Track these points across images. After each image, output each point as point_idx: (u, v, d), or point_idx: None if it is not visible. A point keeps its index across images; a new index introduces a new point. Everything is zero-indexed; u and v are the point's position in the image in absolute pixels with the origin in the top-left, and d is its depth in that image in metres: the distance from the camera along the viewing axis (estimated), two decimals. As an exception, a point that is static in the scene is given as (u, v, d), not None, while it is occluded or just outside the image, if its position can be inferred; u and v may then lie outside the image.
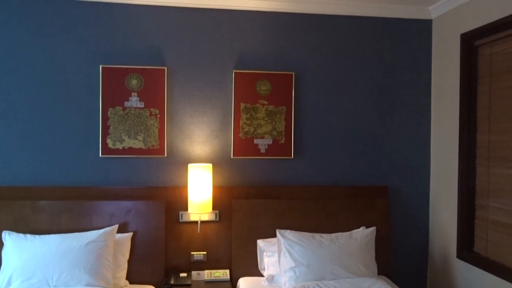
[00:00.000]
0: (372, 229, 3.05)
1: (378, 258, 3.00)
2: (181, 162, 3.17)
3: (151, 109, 3.12)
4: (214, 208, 3.12)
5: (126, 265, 2.88)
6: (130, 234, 2.96)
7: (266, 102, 3.25)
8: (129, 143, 3.10)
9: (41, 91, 3.04)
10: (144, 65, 3.12)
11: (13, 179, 3.02)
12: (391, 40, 3.40)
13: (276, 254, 2.97)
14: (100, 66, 3.06)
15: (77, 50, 3.07)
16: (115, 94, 3.08)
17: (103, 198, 3.04)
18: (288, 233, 2.94)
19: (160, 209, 3.05)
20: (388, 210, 3.29)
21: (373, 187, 3.37)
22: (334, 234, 3.00)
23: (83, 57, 3.07)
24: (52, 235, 2.75)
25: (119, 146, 3.09)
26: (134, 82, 3.10)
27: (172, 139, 3.17)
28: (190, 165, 3.04)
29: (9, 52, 3.00)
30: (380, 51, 3.39)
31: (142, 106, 3.11)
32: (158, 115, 3.13)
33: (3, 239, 2.76)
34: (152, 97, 3.12)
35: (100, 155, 3.07)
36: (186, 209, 3.07)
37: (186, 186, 3.11)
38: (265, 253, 3.03)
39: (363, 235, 2.99)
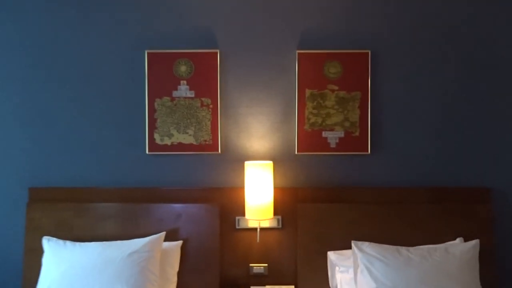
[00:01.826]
0: (475, 242, 2.43)
1: (481, 279, 2.38)
2: (237, 160, 2.74)
3: (203, 99, 2.72)
4: (275, 213, 2.66)
5: (175, 278, 2.51)
6: (180, 242, 2.57)
7: (336, 88, 2.73)
8: (178, 138, 2.72)
9: (81, 84, 2.75)
10: (193, 49, 2.72)
11: (54, 180, 2.75)
12: (491, 3, 2.74)
13: (351, 270, 2.44)
14: (146, 52, 2.71)
15: (119, 35, 2.74)
16: (162, 82, 2.72)
17: (150, 201, 2.69)
18: (366, 245, 2.40)
19: (214, 213, 2.64)
20: (491, 218, 2.64)
21: (471, 189, 2.73)
22: (425, 248, 2.41)
23: (126, 42, 2.74)
24: (92, 243, 2.44)
25: (167, 141, 2.72)
26: (183, 68, 2.72)
27: (226, 133, 2.75)
28: (247, 163, 2.60)
29: (46, 43, 2.74)
30: (477, 19, 2.74)
31: (193, 95, 2.72)
32: (211, 106, 2.72)
33: (43, 246, 2.49)
34: (203, 85, 2.72)
35: (147, 152, 2.72)
36: (243, 214, 2.64)
37: (243, 187, 2.67)
38: (337, 268, 2.52)
39: (464, 250, 2.38)
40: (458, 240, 2.54)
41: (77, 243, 2.44)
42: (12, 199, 2.74)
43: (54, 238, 2.51)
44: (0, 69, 2.75)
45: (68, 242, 2.46)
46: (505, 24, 2.74)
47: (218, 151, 2.72)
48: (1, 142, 2.76)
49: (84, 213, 2.65)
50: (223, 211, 2.69)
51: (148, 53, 2.70)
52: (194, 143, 2.72)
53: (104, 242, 2.45)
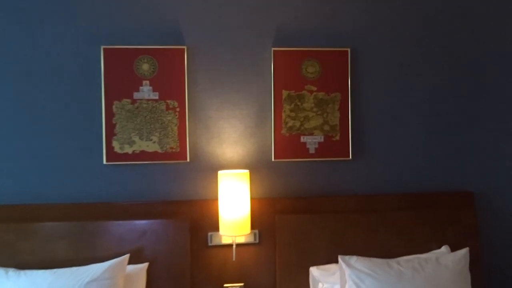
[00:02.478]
0: (465, 251, 2.30)
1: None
2: (208, 169, 2.46)
3: (168, 101, 2.42)
4: (252, 227, 2.40)
5: (141, 307, 2.19)
6: (146, 265, 2.26)
7: (315, 88, 2.52)
8: (141, 145, 2.40)
9: (27, 86, 2.37)
10: (157, 45, 2.42)
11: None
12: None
13: (337, 286, 2.23)
14: (101, 48, 2.37)
15: (70, 27, 2.39)
16: (122, 83, 2.39)
17: (109, 218, 2.34)
18: (355, 260, 2.20)
19: (184, 229, 2.35)
20: (475, 223, 2.53)
21: (455, 193, 2.61)
22: (415, 260, 2.24)
23: (79, 36, 2.39)
24: (41, 271, 2.07)
25: (128, 149, 2.39)
26: (146, 66, 2.41)
27: (196, 140, 2.46)
28: (220, 173, 2.33)
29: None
30: (464, 15, 2.63)
31: (157, 97, 2.41)
32: (178, 109, 2.42)
33: (-20, 276, 2.09)
34: (169, 85, 2.42)
35: (104, 162, 2.38)
36: (217, 229, 2.36)
37: (216, 200, 2.40)
38: (320, 285, 2.30)
39: (455, 260, 2.23)
40: (444, 248, 2.41)
41: (22, 272, 2.07)
42: None
43: (-7, 267, 2.12)
44: None
45: (11, 271, 2.08)
46: (493, 21, 2.65)
47: (186, 159, 2.43)
48: None
49: (29, 235, 2.27)
50: (193, 226, 2.40)
51: (104, 49, 2.37)
52: (159, 151, 2.41)
53: (55, 269, 2.08)
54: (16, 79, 2.36)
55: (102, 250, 2.27)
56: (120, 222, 2.33)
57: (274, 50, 2.48)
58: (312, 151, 2.52)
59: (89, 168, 2.39)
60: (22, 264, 2.20)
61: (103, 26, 2.40)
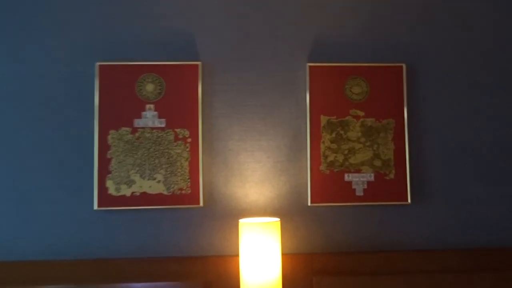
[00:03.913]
0: None
1: None
2: (228, 216, 1.94)
3: (177, 130, 1.93)
4: (285, 293, 1.84)
5: None
6: None
7: (362, 113, 1.99)
8: (142, 186, 1.90)
9: (5, 113, 1.92)
10: (164, 61, 1.95)
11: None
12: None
13: None
14: (96, 65, 1.92)
15: (57, 40, 1.95)
16: (120, 107, 1.92)
17: (100, 280, 1.83)
18: None
19: (195, 295, 1.81)
20: None
21: (546, 249, 2.00)
22: None
23: (68, 51, 1.95)
24: None
25: (125, 191, 1.89)
26: (150, 87, 1.93)
27: (211, 178, 1.95)
28: (242, 222, 1.80)
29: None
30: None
31: (163, 125, 1.93)
32: (189, 140, 1.93)
33: None
34: (179, 110, 1.94)
35: (95, 207, 1.88)
36: (238, 295, 1.81)
37: (237, 256, 1.86)
38: None
39: None
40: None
41: None
42: None
43: None
44: None
45: None
46: None
47: (199, 203, 1.91)
48: None
49: (-1, 301, 1.77)
50: (207, 291, 1.85)
51: (99, 66, 1.91)
52: (165, 192, 1.90)
53: None
54: (-8, 103, 1.92)
55: (88, 323, 1.75)
56: (116, 285, 1.80)
57: (310, 66, 1.98)
58: (359, 192, 1.96)
59: (77, 215, 1.89)
60: None
61: (98, 39, 1.96)
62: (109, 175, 1.89)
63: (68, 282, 1.82)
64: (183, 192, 1.91)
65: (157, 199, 1.90)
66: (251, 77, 1.99)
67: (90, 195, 1.89)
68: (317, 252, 1.95)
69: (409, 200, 1.97)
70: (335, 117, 1.98)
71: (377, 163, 1.98)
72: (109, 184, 1.89)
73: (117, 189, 1.89)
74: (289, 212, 1.96)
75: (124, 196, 1.89)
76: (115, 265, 1.87)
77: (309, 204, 1.95)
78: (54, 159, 1.91)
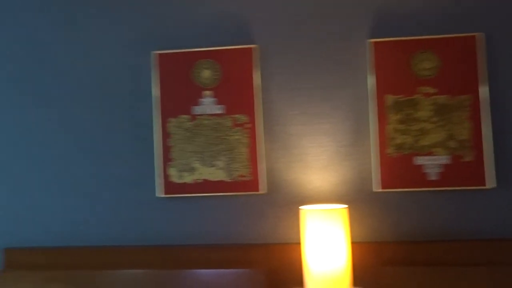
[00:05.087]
0: None
1: None
2: (290, 203, 1.88)
3: (236, 116, 1.89)
4: (355, 283, 1.74)
5: None
6: (208, 332, 1.71)
7: (433, 90, 1.83)
8: (203, 173, 1.89)
9: (67, 105, 2.03)
10: (220, 46, 1.92)
11: (35, 238, 1.98)
12: None
13: None
14: (153, 54, 1.93)
15: (115, 33, 2.00)
16: (178, 95, 1.92)
17: (163, 266, 1.87)
18: None
19: (258, 283, 1.79)
20: None
21: None
22: None
23: (126, 42, 1.99)
24: None
25: (187, 179, 1.90)
26: (207, 73, 1.92)
27: (272, 164, 1.90)
28: (303, 209, 1.72)
29: (28, 53, 2.04)
30: None
31: (221, 111, 1.90)
32: (248, 125, 1.89)
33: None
34: (236, 96, 1.90)
35: (157, 194, 1.91)
36: (302, 284, 1.75)
37: (300, 244, 1.80)
38: None
39: None
40: None
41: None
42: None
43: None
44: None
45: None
46: None
47: (261, 190, 1.87)
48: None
49: (76, 286, 1.86)
50: (271, 279, 1.80)
51: (156, 55, 1.93)
52: (226, 179, 1.88)
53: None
54: (59, 101, 2.02)
55: (157, 308, 1.78)
56: (178, 271, 1.84)
57: (372, 43, 1.85)
58: (432, 177, 1.81)
59: (140, 203, 1.94)
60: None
61: (153, 28, 1.97)
62: (171, 162, 1.90)
63: (134, 267, 1.87)
64: (244, 178, 1.88)
65: (219, 186, 1.89)
66: (309, 58, 1.90)
67: (152, 182, 1.92)
68: (386, 240, 1.83)
69: (491, 184, 1.78)
70: (402, 95, 1.84)
71: (452, 144, 1.81)
72: (171, 171, 1.90)
73: (179, 177, 1.90)
74: (354, 199, 1.85)
75: (186, 183, 1.90)
76: (178, 252, 1.89)
77: (375, 190, 1.83)
78: (117, 149, 1.97)
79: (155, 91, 1.93)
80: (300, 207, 1.76)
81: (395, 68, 1.84)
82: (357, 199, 1.85)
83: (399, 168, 1.83)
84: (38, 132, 2.02)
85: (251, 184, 1.87)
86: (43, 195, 2.00)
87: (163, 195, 1.90)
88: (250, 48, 1.90)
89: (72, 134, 2.00)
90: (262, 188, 1.87)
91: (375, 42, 1.85)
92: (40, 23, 2.05)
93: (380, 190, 1.83)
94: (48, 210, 1.99)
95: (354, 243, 1.79)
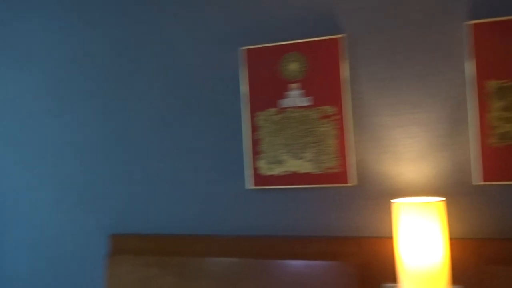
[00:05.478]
0: None
1: None
2: (381, 195, 1.82)
3: (323, 108, 1.88)
4: (454, 281, 1.65)
5: None
6: (299, 323, 1.73)
7: (543, 73, 1.66)
8: (291, 165, 1.91)
9: (159, 103, 2.14)
10: (306, 38, 1.91)
11: (138, 225, 2.14)
12: None
13: None
14: (241, 50, 1.98)
15: (203, 30, 2.07)
16: (265, 89, 1.95)
17: (254, 255, 1.91)
18: None
19: (350, 277, 1.76)
20: None
21: None
22: None
23: (214, 39, 2.05)
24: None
25: (276, 171, 1.92)
26: (293, 66, 1.92)
27: (362, 156, 1.85)
28: (397, 202, 1.66)
29: (119, 53, 2.18)
30: None
31: (308, 103, 1.90)
32: (336, 117, 1.86)
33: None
34: (324, 87, 1.88)
35: (247, 186, 1.96)
36: (395, 280, 1.69)
37: (391, 238, 1.74)
38: None
39: None
40: None
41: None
42: (92, 248, 2.20)
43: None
44: (64, 87, 2.26)
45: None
46: None
47: (349, 182, 1.83)
48: (77, 180, 2.25)
49: (170, 271, 1.99)
50: (362, 273, 1.77)
51: (244, 50, 1.97)
52: (315, 171, 1.88)
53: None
54: (153, 97, 2.14)
55: (247, 296, 1.84)
56: (268, 261, 1.86)
57: (470, 25, 1.72)
58: (542, 168, 1.65)
59: (231, 194, 2.00)
60: (164, 304, 1.92)
61: (240, 24, 2.01)
62: (260, 155, 1.94)
63: (226, 255, 1.94)
64: (333, 171, 1.86)
65: (307, 178, 1.89)
66: (400, 44, 1.82)
67: (241, 175, 1.97)
68: (489, 237, 1.71)
69: None
70: (506, 80, 1.69)
71: None
72: (260, 164, 1.94)
73: (268, 169, 1.93)
74: (451, 192, 1.75)
75: (274, 175, 1.92)
76: (268, 242, 1.92)
77: (476, 183, 1.71)
78: (207, 142, 2.05)
79: (243, 86, 1.97)
80: (392, 200, 1.70)
81: (498, 51, 1.70)
82: (454, 192, 1.74)
83: (503, 160, 1.68)
84: (134, 128, 2.16)
85: (340, 176, 1.85)
86: (143, 187, 2.14)
87: (253, 187, 1.95)
88: (337, 38, 1.86)
89: (165, 130, 2.11)
90: (352, 180, 1.83)
91: (474, 24, 1.72)
92: (130, 22, 2.18)
93: (481, 183, 1.70)
94: (147, 200, 2.13)
95: (453, 239, 1.70)
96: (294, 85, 1.91)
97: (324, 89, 1.87)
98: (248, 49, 1.97)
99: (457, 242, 1.70)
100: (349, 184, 1.84)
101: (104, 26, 2.22)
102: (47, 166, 2.30)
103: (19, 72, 2.37)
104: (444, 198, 1.65)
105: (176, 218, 2.08)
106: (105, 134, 2.21)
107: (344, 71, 1.85)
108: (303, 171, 1.89)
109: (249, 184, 1.95)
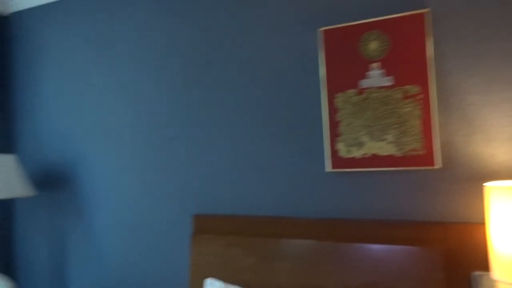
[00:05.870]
0: None
1: None
2: (470, 179, 1.72)
3: (406, 87, 1.80)
4: (551, 271, 1.52)
5: None
6: (381, 307, 1.70)
7: None
8: (371, 147, 1.86)
9: (239, 86, 2.17)
10: (387, 14, 1.84)
11: (220, 206, 2.22)
12: None
13: None
14: (319, 30, 1.95)
15: (281, 13, 2.06)
16: (345, 69, 1.91)
17: (333, 238, 1.90)
18: None
19: (434, 263, 1.68)
20: None
21: None
22: None
23: (292, 21, 2.04)
24: (258, 298, 1.78)
25: (356, 153, 1.89)
26: (374, 45, 1.86)
27: (448, 137, 1.76)
28: (488, 186, 1.56)
29: (205, 40, 2.25)
30: None
31: (390, 83, 1.83)
32: (420, 96, 1.78)
33: (205, 290, 1.97)
34: (406, 66, 1.80)
35: (327, 169, 1.94)
36: (487, 268, 1.59)
37: (483, 224, 1.64)
38: None
39: None
40: None
41: (239, 296, 1.82)
42: (178, 228, 2.32)
43: (217, 283, 1.96)
44: (148, 73, 2.39)
45: (229, 291, 1.87)
46: None
47: (435, 165, 1.75)
48: (163, 164, 2.38)
49: (252, 251, 2.04)
50: (449, 260, 1.69)
51: (322, 31, 1.94)
52: (396, 154, 1.82)
53: (272, 298, 1.76)
54: (230, 81, 2.18)
55: (326, 278, 1.84)
56: (350, 245, 1.84)
57: None
58: None
59: (310, 177, 2.00)
60: (245, 282, 1.98)
61: (317, 4, 1.98)
62: (339, 137, 1.92)
63: (305, 237, 1.95)
64: (416, 153, 1.78)
65: (389, 160, 1.83)
66: (490, 16, 1.68)
67: (321, 157, 1.96)
68: None
69: None
70: None
71: None
72: (340, 146, 1.92)
73: (348, 151, 1.90)
74: (553, 175, 1.60)
75: (354, 158, 1.89)
76: (348, 226, 1.90)
77: None
78: (286, 125, 2.05)
79: (322, 67, 1.95)
80: (484, 184, 1.60)
81: None
82: (556, 175, 1.60)
83: None
84: (216, 112, 2.23)
85: (425, 158, 1.77)
86: (225, 170, 2.21)
87: (332, 170, 1.93)
88: (422, 14, 1.77)
89: (247, 112, 2.15)
90: (437, 163, 1.75)
91: None
92: (211, 9, 2.23)
93: None
94: (229, 182, 2.20)
95: (554, 226, 1.56)
96: (375, 65, 1.85)
97: (407, 68, 1.80)
98: (326, 29, 1.94)
99: (559, 230, 1.55)
100: (435, 167, 1.75)
101: (186, 15, 2.30)
102: (135, 151, 2.45)
103: (107, 62, 2.55)
104: (544, 182, 1.52)
105: (256, 200, 2.12)
106: (188, 119, 2.30)
107: (429, 48, 1.76)
108: (384, 153, 1.84)
109: (329, 166, 1.93)
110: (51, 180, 2.74)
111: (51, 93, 2.76)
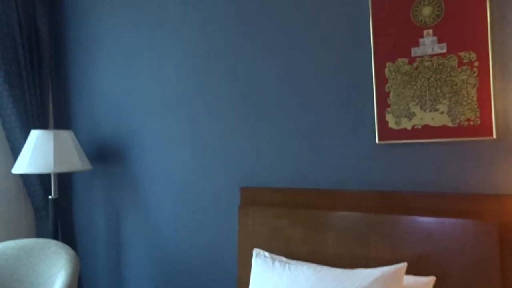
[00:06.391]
0: None
1: None
2: (530, 150, 1.64)
3: (461, 54, 1.72)
4: None
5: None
6: (431, 279, 1.66)
7: None
8: (423, 118, 1.81)
9: (289, 56, 2.15)
10: (443, -23, 1.76)
11: (267, 179, 2.24)
12: None
13: None
14: (368, -3, 1.90)
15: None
16: (395, 37, 1.85)
17: (384, 210, 1.87)
18: None
19: (489, 236, 1.64)
20: None
21: None
22: None
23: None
24: (306, 268, 1.80)
25: (406, 124, 1.84)
26: (427, 10, 1.78)
27: (506, 107, 1.68)
28: (552, 155, 1.48)
29: (258, 11, 2.25)
30: None
31: (444, 50, 1.76)
32: (476, 64, 1.70)
33: (253, 259, 2.01)
34: (461, 32, 1.72)
35: (376, 141, 1.91)
36: (546, 242, 1.53)
37: (542, 196, 1.56)
38: None
39: None
40: None
41: (287, 266, 1.85)
42: (226, 200, 2.38)
43: (264, 253, 2.02)
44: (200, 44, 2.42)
45: (277, 262, 1.90)
46: None
47: (492, 135, 1.68)
48: (211, 138, 2.43)
49: (299, 222, 2.06)
50: (505, 233, 1.63)
51: (370, -2, 1.89)
52: (450, 124, 1.76)
53: (319, 268, 1.77)
54: (282, 51, 2.17)
55: (375, 249, 1.83)
56: (399, 217, 1.82)
57: None
58: None
59: (360, 149, 1.97)
60: (293, 253, 2.01)
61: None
62: (388, 108, 1.87)
63: (354, 210, 1.94)
64: (472, 123, 1.71)
65: (441, 131, 1.77)
66: (561, -26, 1.57)
67: (370, 129, 1.93)
68: None
69: None
70: None
71: None
72: (389, 117, 1.87)
73: (397, 123, 1.86)
74: None
75: (404, 129, 1.84)
76: (399, 198, 1.87)
77: None
78: (335, 97, 2.03)
79: (371, 35, 1.90)
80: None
81: None
82: None
83: None
84: (262, 85, 2.23)
85: (481, 128, 1.70)
86: (273, 142, 2.21)
87: (382, 142, 1.90)
88: (480, -24, 1.68)
89: (295, 83, 2.13)
90: (494, 133, 1.67)
91: None
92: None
93: None
94: (277, 155, 2.20)
95: None
96: (428, 31, 1.78)
97: (463, 34, 1.71)
98: (369, -4, 1.88)
99: None
100: (491, 138, 1.68)
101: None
102: (184, 126, 2.51)
103: (159, 37, 2.61)
104: None
105: (304, 172, 2.13)
106: (234, 93, 2.32)
107: (487, 12, 1.67)
108: (437, 124, 1.78)
109: (378, 138, 1.90)
110: (106, 155, 2.88)
111: (105, 70, 2.87)
